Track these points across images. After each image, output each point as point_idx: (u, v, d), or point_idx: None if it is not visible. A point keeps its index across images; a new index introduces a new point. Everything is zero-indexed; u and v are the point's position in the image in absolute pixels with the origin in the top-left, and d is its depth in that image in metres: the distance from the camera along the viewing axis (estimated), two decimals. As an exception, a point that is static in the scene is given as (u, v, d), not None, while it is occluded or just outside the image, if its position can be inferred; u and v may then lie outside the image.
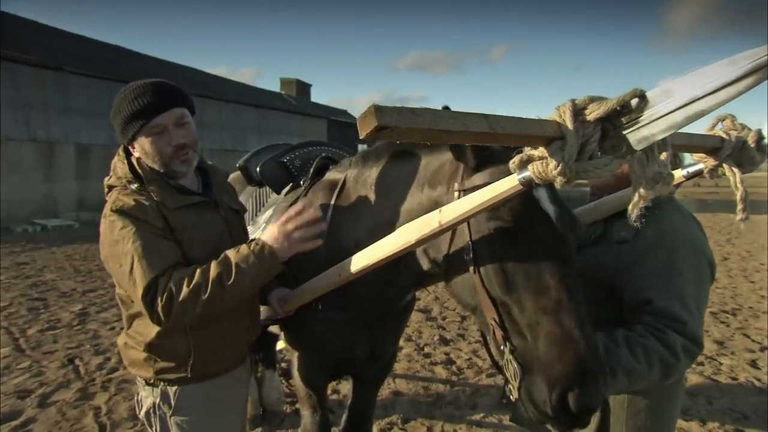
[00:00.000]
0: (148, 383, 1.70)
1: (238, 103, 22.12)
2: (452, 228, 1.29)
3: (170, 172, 1.66)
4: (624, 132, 0.82)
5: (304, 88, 35.76)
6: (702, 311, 1.47)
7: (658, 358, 1.38)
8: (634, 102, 0.79)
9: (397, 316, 2.15)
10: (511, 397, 1.27)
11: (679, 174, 1.30)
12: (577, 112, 0.83)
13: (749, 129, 1.19)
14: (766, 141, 1.19)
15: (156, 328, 1.58)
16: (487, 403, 3.92)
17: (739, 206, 1.12)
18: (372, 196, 1.87)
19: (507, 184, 1.03)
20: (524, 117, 0.82)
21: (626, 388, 1.39)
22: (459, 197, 1.44)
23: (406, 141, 0.95)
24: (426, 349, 5.07)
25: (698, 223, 1.58)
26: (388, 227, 1.67)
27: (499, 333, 1.30)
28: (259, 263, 1.53)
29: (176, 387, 1.67)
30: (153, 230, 1.56)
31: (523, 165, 0.92)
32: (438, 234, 1.31)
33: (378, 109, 0.71)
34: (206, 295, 1.47)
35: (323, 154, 2.39)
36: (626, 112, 0.81)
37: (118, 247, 1.52)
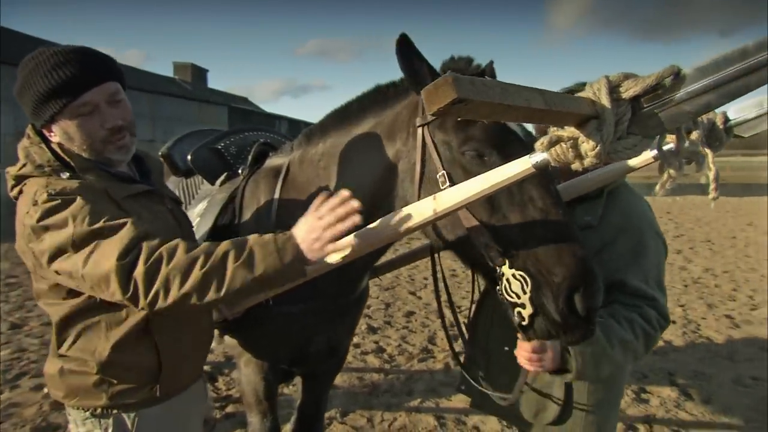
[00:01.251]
0: (94, 414, 1.39)
1: (127, 88, 20.11)
2: (448, 215, 1.22)
3: (103, 160, 1.39)
4: (656, 111, 0.80)
5: (200, 73, 33.63)
6: (664, 288, 1.57)
7: (641, 329, 1.45)
8: (668, 80, 0.77)
9: (354, 303, 2.06)
10: (520, 319, 1.23)
11: (648, 155, 1.34)
12: (612, 89, 0.80)
13: (716, 112, 1.26)
14: (731, 122, 1.27)
15: (111, 341, 1.33)
16: (422, 389, 3.96)
17: (712, 185, 1.17)
18: (324, 174, 1.75)
19: (517, 167, 0.98)
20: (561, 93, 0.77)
21: (622, 361, 1.43)
22: (423, 133, 1.41)
23: (466, 117, 0.85)
24: (355, 339, 5.01)
25: (648, 204, 1.67)
26: None
27: (494, 253, 1.27)
28: (279, 257, 1.21)
29: (135, 412, 1.40)
30: (114, 211, 1.27)
31: (551, 146, 0.87)
32: (430, 223, 1.24)
33: (457, 80, 0.61)
34: (205, 268, 1.15)
35: (261, 140, 2.21)
36: (659, 89, 0.79)
37: (64, 232, 1.20)
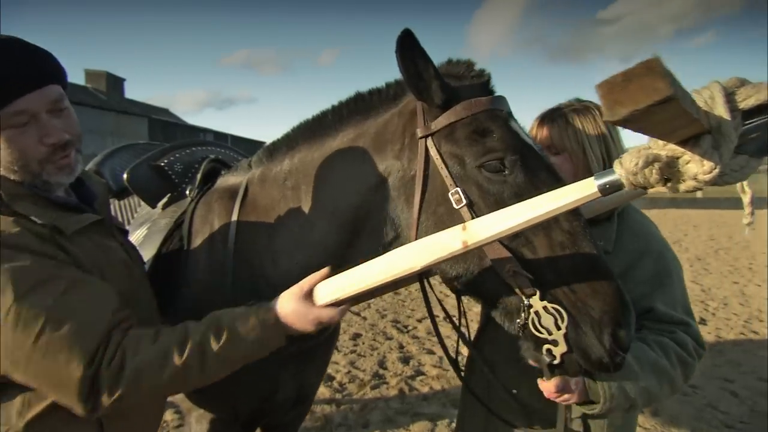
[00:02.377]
0: None
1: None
2: (478, 247, 1.02)
3: (41, 184, 1.09)
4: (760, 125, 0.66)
5: (116, 82, 31.44)
6: (692, 314, 1.46)
7: (676, 355, 1.33)
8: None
9: (325, 341, 1.80)
10: (550, 358, 1.08)
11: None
12: (728, 97, 0.65)
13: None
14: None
15: (26, 418, 1.02)
16: (378, 419, 3.73)
17: (748, 210, 1.06)
18: (292, 195, 1.51)
19: (578, 192, 0.81)
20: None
21: (657, 388, 1.29)
22: (426, 145, 1.24)
23: (636, 129, 0.65)
24: (301, 368, 4.69)
25: (654, 224, 1.58)
26: (326, 227, 1.40)
27: (523, 280, 1.10)
28: (263, 334, 1.13)
29: None
30: (64, 267, 1.02)
31: (647, 166, 0.70)
32: (455, 257, 1.03)
33: (665, 72, 0.41)
34: (182, 360, 1.03)
35: (211, 156, 1.92)
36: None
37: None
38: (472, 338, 1.83)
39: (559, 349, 1.06)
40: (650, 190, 0.83)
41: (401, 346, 5.19)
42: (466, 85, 1.30)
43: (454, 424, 3.64)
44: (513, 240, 1.12)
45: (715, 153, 0.66)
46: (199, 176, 1.80)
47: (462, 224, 1.00)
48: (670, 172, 0.70)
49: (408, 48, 1.18)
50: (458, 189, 1.17)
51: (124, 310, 1.08)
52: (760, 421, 3.72)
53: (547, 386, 1.22)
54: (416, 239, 1.22)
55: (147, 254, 1.66)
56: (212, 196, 1.71)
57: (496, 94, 1.32)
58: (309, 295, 1.19)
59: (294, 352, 1.61)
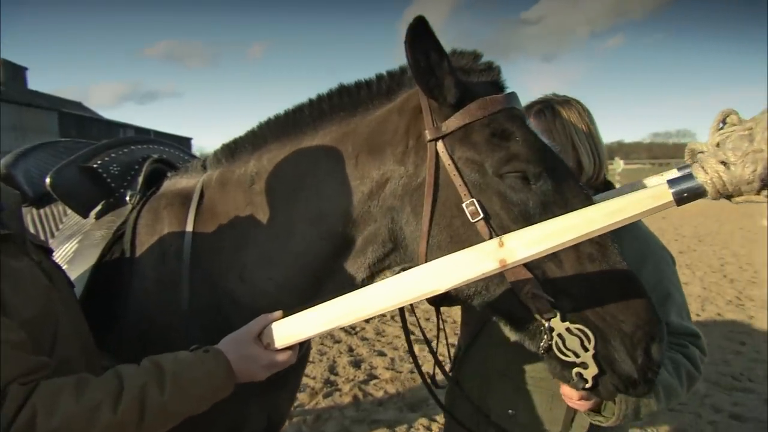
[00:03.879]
0: None
1: None
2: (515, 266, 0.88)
3: None
4: None
5: (15, 71, 28.51)
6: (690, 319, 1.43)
7: (686, 372, 1.30)
8: None
9: (297, 364, 1.61)
10: (582, 382, 0.99)
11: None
12: None
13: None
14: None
15: None
16: (334, 430, 3.55)
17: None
18: (260, 201, 1.31)
19: (649, 202, 0.68)
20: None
21: (664, 404, 1.27)
22: (437, 149, 1.09)
23: None
24: (247, 380, 4.39)
25: None
26: (309, 237, 1.23)
27: (542, 303, 0.99)
28: (210, 384, 0.99)
29: None
30: None
31: (754, 166, 0.59)
32: (489, 276, 0.89)
33: None
34: (115, 416, 0.86)
35: (154, 156, 1.65)
36: None
37: None
38: (453, 351, 1.71)
39: (590, 372, 0.97)
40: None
41: (351, 349, 5.03)
42: (475, 79, 1.17)
43: (412, 430, 3.57)
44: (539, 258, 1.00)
45: None
46: (140, 179, 1.53)
47: (498, 238, 0.86)
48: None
49: (420, 38, 1.02)
50: (474, 200, 1.04)
51: (30, 354, 0.86)
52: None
53: (570, 393, 1.16)
54: (427, 253, 1.07)
55: (78, 273, 1.39)
56: (159, 202, 1.47)
57: (508, 90, 1.20)
58: (259, 338, 1.07)
59: (263, 382, 1.41)
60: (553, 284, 1.01)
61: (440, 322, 1.60)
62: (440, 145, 1.10)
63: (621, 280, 1.01)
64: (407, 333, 1.55)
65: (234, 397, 1.39)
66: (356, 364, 4.67)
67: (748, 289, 7.24)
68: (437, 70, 1.07)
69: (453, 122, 1.10)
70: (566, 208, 1.02)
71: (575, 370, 0.99)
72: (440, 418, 3.64)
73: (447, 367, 1.62)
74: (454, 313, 6.05)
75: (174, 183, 1.52)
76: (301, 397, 4.02)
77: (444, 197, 1.09)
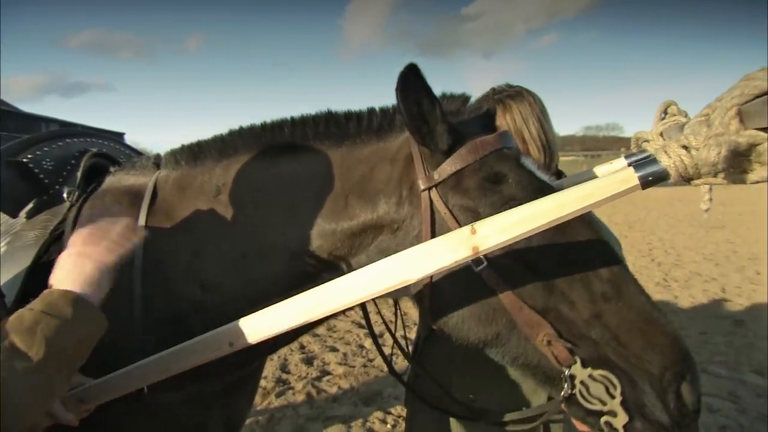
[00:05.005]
0: None
1: None
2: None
3: None
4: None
5: None
6: None
7: None
8: None
9: (256, 368, 1.56)
10: (611, 431, 0.93)
11: (624, 163, 1.20)
12: None
13: (689, 117, 1.19)
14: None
15: None
16: (288, 429, 3.49)
17: (707, 196, 1.06)
18: (225, 212, 1.25)
19: (616, 186, 0.70)
20: None
21: None
22: (431, 197, 1.05)
23: None
24: (194, 384, 4.23)
25: None
26: (285, 263, 1.19)
27: (560, 350, 0.95)
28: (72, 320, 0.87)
29: None
30: None
31: (727, 156, 0.61)
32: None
33: None
34: None
35: (93, 150, 1.53)
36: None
37: None
38: (413, 340, 1.72)
39: (620, 420, 0.92)
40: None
41: (302, 347, 4.95)
42: (464, 121, 1.15)
43: (368, 424, 3.57)
44: (548, 297, 0.99)
45: None
46: (79, 174, 1.41)
47: (470, 225, 0.85)
48: (735, 161, 0.62)
49: (412, 86, 0.99)
50: None
51: None
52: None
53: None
54: (430, 297, 1.07)
55: (8, 277, 1.26)
56: (103, 198, 1.36)
57: (499, 131, 1.16)
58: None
59: (221, 387, 1.35)
60: (569, 329, 0.97)
61: (399, 310, 1.62)
62: (434, 193, 1.07)
63: (642, 318, 0.96)
64: (368, 321, 1.53)
65: (196, 406, 1.33)
66: (308, 361, 4.61)
67: (673, 270, 7.80)
68: (429, 118, 1.04)
69: (445, 170, 1.07)
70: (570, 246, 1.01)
71: (603, 419, 0.93)
72: (395, 411, 3.67)
73: (402, 360, 1.62)
74: (404, 305, 6.11)
75: (119, 179, 1.42)
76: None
77: None
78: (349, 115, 1.23)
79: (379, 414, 3.65)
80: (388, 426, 3.51)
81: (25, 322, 0.85)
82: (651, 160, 0.74)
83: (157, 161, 1.40)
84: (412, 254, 0.86)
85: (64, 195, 1.39)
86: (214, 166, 1.30)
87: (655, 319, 0.96)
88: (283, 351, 4.82)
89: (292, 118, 1.27)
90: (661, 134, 1.22)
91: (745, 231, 11.40)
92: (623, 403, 0.91)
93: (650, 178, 0.74)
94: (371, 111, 1.23)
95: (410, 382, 1.64)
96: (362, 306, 1.54)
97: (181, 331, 1.16)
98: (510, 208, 0.95)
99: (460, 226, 1.01)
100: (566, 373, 0.95)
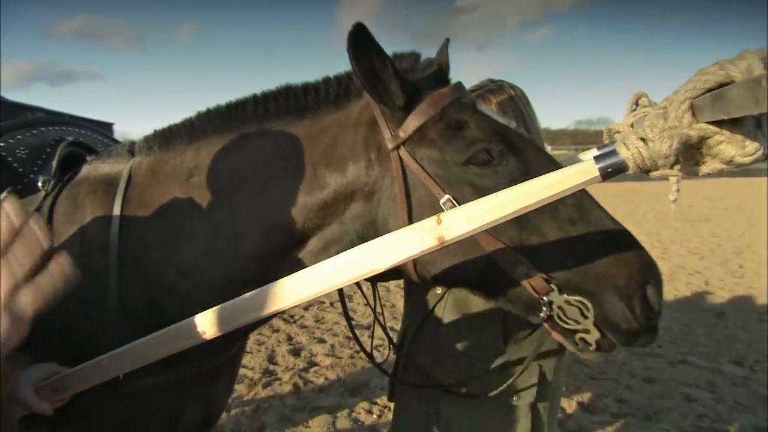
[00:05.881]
0: None
1: None
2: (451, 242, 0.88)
3: None
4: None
5: None
6: None
7: None
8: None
9: (234, 355, 1.56)
10: (584, 345, 1.02)
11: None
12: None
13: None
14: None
15: None
16: (274, 420, 3.51)
17: (675, 186, 1.08)
18: (199, 195, 1.25)
19: (577, 177, 0.72)
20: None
21: None
22: (400, 156, 1.09)
23: None
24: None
25: None
26: (259, 240, 1.20)
27: (537, 280, 1.01)
28: None
29: None
30: None
31: (680, 149, 0.62)
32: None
33: None
34: None
35: (69, 138, 1.52)
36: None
37: None
38: (399, 332, 1.73)
39: (593, 336, 1.01)
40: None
41: (290, 338, 4.97)
42: (419, 78, 1.18)
43: (354, 414, 3.60)
44: (520, 232, 1.04)
45: (759, 133, 0.61)
46: (54, 163, 1.40)
47: (436, 216, 0.87)
48: (688, 153, 0.64)
49: (362, 46, 1.02)
50: (449, 197, 1.03)
51: None
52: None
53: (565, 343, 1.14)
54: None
55: None
56: (79, 188, 1.35)
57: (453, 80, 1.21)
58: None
59: (197, 373, 1.36)
60: (544, 258, 1.03)
61: (378, 302, 1.62)
62: (402, 151, 1.10)
63: (608, 236, 1.03)
64: (348, 317, 1.54)
65: (173, 390, 1.33)
66: (296, 352, 4.63)
67: (659, 264, 7.84)
68: (383, 74, 1.06)
69: (409, 126, 1.10)
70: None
71: (578, 335, 1.02)
72: (381, 401, 3.70)
73: (385, 353, 1.63)
74: (392, 297, 6.13)
75: (95, 168, 1.41)
76: (239, 388, 3.93)
77: (417, 201, 1.09)
78: (306, 88, 1.25)
79: (365, 404, 3.68)
80: (374, 416, 3.54)
81: None
82: (611, 152, 0.76)
83: (131, 148, 1.40)
84: (380, 244, 0.88)
85: (39, 184, 1.38)
86: (185, 149, 1.31)
87: (618, 234, 1.03)
88: (271, 342, 4.84)
89: (255, 96, 1.29)
90: (632, 125, 1.24)
91: (730, 225, 11.56)
92: (596, 322, 1.00)
93: (609, 170, 0.76)
94: (327, 81, 1.25)
95: (399, 374, 1.65)
96: (342, 300, 1.55)
97: (157, 319, 1.17)
98: (474, 149, 1.05)
99: (432, 178, 1.06)
100: (545, 299, 1.02)
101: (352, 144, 1.17)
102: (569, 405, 3.68)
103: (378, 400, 3.72)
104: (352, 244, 1.16)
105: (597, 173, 0.76)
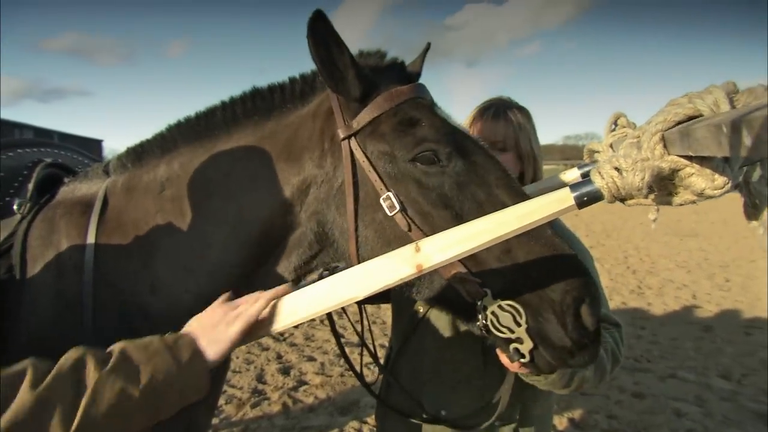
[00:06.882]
0: None
1: None
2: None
3: None
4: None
5: None
6: None
7: (611, 351, 1.35)
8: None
9: (216, 375, 1.55)
10: (519, 357, 1.00)
11: (576, 174, 1.25)
12: (732, 104, 0.62)
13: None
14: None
15: None
16: (263, 440, 3.46)
17: (654, 208, 1.10)
18: (172, 209, 1.26)
19: (553, 206, 0.73)
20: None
21: (591, 378, 1.31)
22: (350, 146, 1.10)
23: None
24: (168, 395, 4.16)
25: None
26: (228, 246, 1.20)
27: (471, 285, 1.01)
28: (172, 356, 0.90)
29: None
30: None
31: (651, 182, 0.64)
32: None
33: None
34: (40, 388, 0.79)
35: (47, 160, 1.51)
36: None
37: None
38: (385, 351, 1.74)
39: (526, 346, 0.99)
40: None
41: (279, 356, 4.92)
42: (382, 75, 1.20)
43: (344, 434, 3.56)
44: None
45: (726, 167, 0.64)
46: (31, 186, 1.39)
47: (414, 244, 0.88)
48: (661, 184, 0.66)
49: (320, 32, 1.04)
50: (389, 193, 1.05)
51: None
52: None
53: (508, 363, 1.14)
54: (357, 251, 1.08)
55: None
56: (55, 211, 1.35)
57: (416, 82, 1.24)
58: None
59: None
60: (480, 265, 1.03)
61: (366, 321, 1.62)
62: (353, 142, 1.12)
63: (549, 249, 1.02)
64: (337, 336, 1.55)
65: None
66: (285, 371, 4.58)
67: (647, 278, 7.96)
68: (339, 62, 1.08)
69: (363, 117, 1.12)
70: (483, 185, 1.06)
71: (512, 345, 1.00)
72: (371, 420, 3.67)
73: (376, 370, 1.64)
74: (383, 314, 6.11)
75: (72, 190, 1.41)
76: (227, 408, 3.88)
77: (364, 194, 1.11)
78: (273, 87, 1.27)
79: (355, 424, 3.65)
80: (364, 435, 3.50)
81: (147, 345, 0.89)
82: (586, 181, 0.78)
83: (107, 168, 1.40)
84: (358, 272, 0.89)
85: (15, 207, 1.37)
86: (157, 163, 1.32)
87: (558, 248, 1.02)
88: (260, 361, 4.79)
89: (222, 102, 1.31)
90: (611, 146, 1.27)
91: (717, 239, 11.70)
92: (528, 331, 0.98)
93: (585, 198, 0.78)
94: (293, 79, 1.27)
95: (382, 393, 1.65)
96: (330, 318, 1.55)
97: (128, 336, 1.17)
98: (422, 147, 1.06)
99: (378, 173, 1.07)
100: (479, 304, 1.01)
101: (309, 135, 1.19)
102: (560, 422, 3.67)
103: (368, 419, 3.68)
104: (311, 249, 1.17)
105: (572, 202, 0.78)
